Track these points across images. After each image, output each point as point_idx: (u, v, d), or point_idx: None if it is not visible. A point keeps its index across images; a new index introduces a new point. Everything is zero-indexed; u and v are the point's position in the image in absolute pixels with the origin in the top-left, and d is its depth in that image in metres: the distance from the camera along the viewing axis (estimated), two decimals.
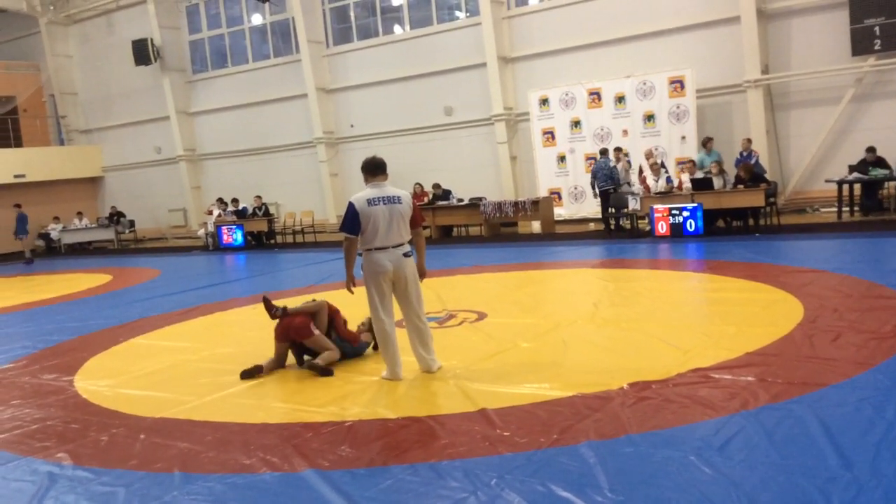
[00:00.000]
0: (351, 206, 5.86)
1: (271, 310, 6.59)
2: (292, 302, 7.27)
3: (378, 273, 5.85)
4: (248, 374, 6.41)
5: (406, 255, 5.92)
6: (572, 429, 4.49)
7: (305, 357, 6.60)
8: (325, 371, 6.25)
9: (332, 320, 6.70)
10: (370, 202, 5.83)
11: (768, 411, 4.48)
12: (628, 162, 16.10)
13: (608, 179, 15.47)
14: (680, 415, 4.58)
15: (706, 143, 15.46)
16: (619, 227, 15.66)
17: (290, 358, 6.74)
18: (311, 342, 6.49)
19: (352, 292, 6.12)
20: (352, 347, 6.72)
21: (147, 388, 6.42)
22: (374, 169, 6.00)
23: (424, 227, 6.29)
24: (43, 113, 28.18)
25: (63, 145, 28.31)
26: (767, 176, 14.60)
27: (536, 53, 19.05)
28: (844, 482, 3.50)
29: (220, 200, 21.26)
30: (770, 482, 3.58)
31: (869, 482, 3.48)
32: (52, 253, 24.66)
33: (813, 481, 3.54)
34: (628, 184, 15.64)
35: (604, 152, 15.95)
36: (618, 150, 16.04)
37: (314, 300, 6.82)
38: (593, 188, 15.91)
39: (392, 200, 5.87)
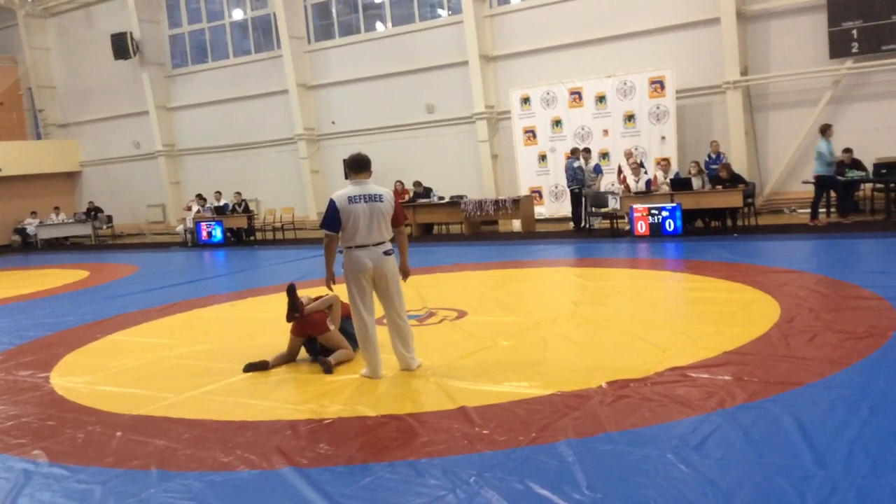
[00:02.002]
0: (332, 203, 5.85)
1: (291, 312, 6.53)
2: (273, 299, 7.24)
3: (358, 271, 5.85)
4: (252, 368, 6.42)
5: (387, 253, 5.91)
6: (551, 427, 4.50)
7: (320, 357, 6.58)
8: (328, 369, 6.21)
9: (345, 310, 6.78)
10: (351, 199, 5.81)
11: (745, 410, 4.52)
12: (597, 165, 16.18)
13: (573, 180, 15.60)
14: (658, 413, 4.61)
15: (825, 131, 13.59)
16: (590, 227, 15.72)
17: (302, 353, 6.74)
18: (324, 338, 6.50)
19: (331, 289, 6.12)
20: (352, 328, 6.73)
21: (124, 385, 6.37)
22: (358, 166, 5.96)
23: (406, 226, 6.30)
24: (20, 106, 27.87)
25: (40, 139, 28.02)
26: (745, 177, 14.72)
27: (518, 52, 19.09)
28: (819, 480, 3.55)
29: (200, 196, 21.11)
30: (746, 480, 3.62)
31: (843, 480, 3.53)
32: (28, 248, 24.40)
33: (788, 479, 3.57)
34: (586, 185, 15.75)
35: (574, 152, 16.04)
36: (587, 150, 16.12)
37: (326, 295, 6.72)
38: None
39: (373, 198, 5.85)
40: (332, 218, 5.83)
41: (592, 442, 4.23)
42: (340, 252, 5.98)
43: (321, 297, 6.78)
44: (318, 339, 6.55)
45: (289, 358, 6.66)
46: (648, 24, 17.14)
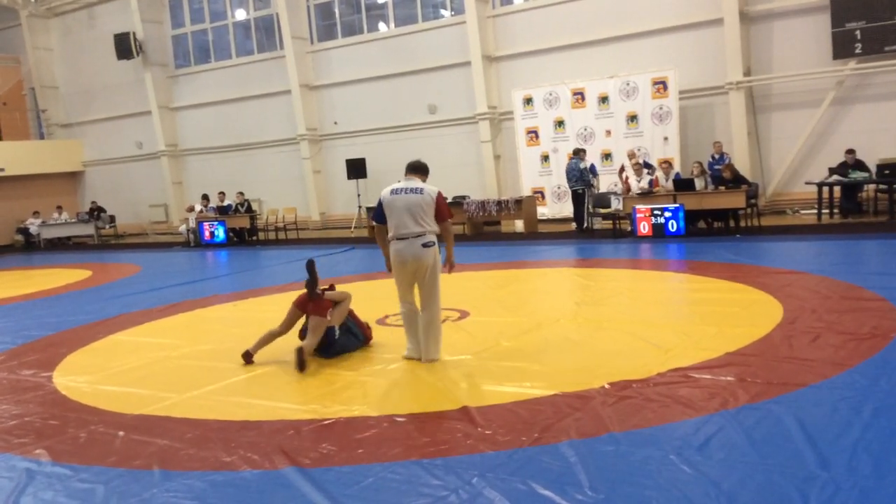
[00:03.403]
0: (379, 199, 6.35)
1: (312, 288, 6.73)
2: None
3: (400, 263, 6.22)
4: (248, 359, 6.60)
5: (426, 245, 6.14)
6: (553, 427, 4.50)
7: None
8: (301, 362, 6.29)
9: (350, 311, 7.00)
10: (393, 192, 6.24)
11: (747, 411, 4.51)
12: (592, 165, 16.19)
13: (578, 180, 15.60)
14: (660, 414, 4.60)
15: None
16: (591, 228, 15.70)
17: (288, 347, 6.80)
18: (314, 322, 6.61)
19: (389, 271, 6.42)
20: (361, 336, 6.92)
21: (126, 385, 6.38)
22: (411, 169, 6.46)
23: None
24: (23, 106, 27.90)
25: (43, 139, 28.04)
26: (748, 177, 14.71)
27: (521, 53, 19.08)
28: (821, 481, 3.54)
29: (205, 197, 21.14)
30: (749, 481, 3.61)
31: (846, 482, 3.52)
32: (31, 248, 24.44)
33: (791, 480, 3.57)
34: (591, 185, 15.75)
35: (577, 153, 16.04)
36: (583, 151, 16.13)
37: (342, 291, 7.01)
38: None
39: (413, 191, 6.18)
40: (378, 211, 6.33)
41: (595, 443, 4.23)
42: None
43: (332, 286, 7.00)
44: (310, 317, 6.66)
45: (280, 332, 6.81)
46: (651, 25, 17.13)
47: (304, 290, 6.83)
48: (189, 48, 25.26)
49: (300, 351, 6.35)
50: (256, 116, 23.53)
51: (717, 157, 15.51)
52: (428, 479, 3.93)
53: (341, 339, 6.72)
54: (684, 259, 11.53)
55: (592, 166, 16.18)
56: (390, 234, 6.23)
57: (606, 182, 16.50)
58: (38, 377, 6.88)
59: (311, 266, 6.83)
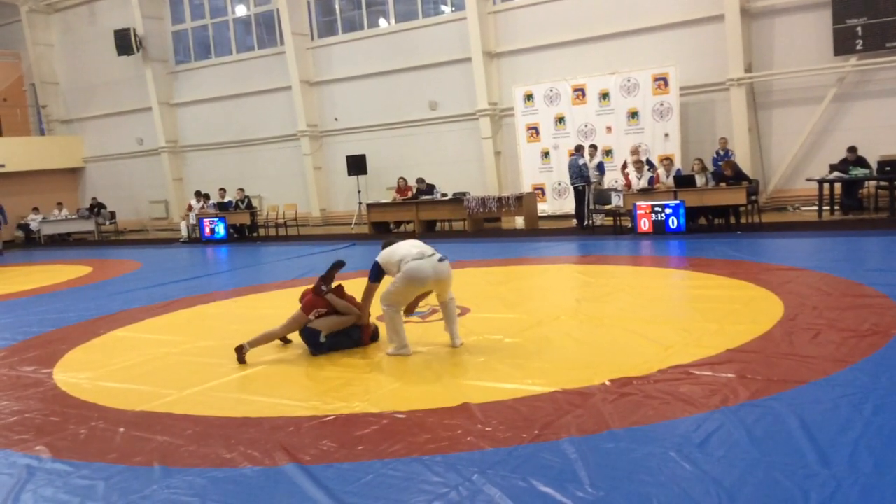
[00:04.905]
0: (374, 262, 6.47)
1: (323, 284, 6.76)
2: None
3: (417, 279, 6.28)
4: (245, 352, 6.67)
5: (441, 260, 6.36)
6: (554, 424, 4.50)
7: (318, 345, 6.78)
8: (240, 355, 6.55)
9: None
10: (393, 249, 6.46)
11: (748, 408, 4.51)
12: (601, 163, 16.19)
13: (578, 177, 15.60)
14: (661, 411, 4.60)
15: None
16: (592, 225, 15.69)
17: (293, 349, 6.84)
18: (295, 314, 6.71)
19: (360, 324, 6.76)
20: (356, 336, 6.86)
21: (127, 381, 6.38)
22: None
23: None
24: (23, 102, 27.88)
25: (44, 135, 28.05)
26: (749, 174, 14.70)
27: (521, 49, 19.07)
28: (822, 479, 3.53)
29: (198, 193, 21.12)
30: (749, 478, 3.61)
31: (846, 479, 3.52)
32: (31, 244, 24.44)
33: (792, 478, 3.56)
34: (590, 182, 15.75)
35: (578, 149, 16.03)
36: (593, 147, 16.16)
37: (358, 309, 6.84)
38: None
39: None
40: (376, 270, 6.46)
41: (595, 439, 4.22)
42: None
43: (341, 288, 6.92)
44: (300, 306, 6.76)
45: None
46: (652, 21, 17.12)
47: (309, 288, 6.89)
48: (189, 44, 25.25)
49: (240, 348, 6.55)
50: (257, 113, 23.53)
51: (721, 153, 15.50)
52: (428, 475, 3.92)
53: (329, 342, 6.66)
54: (685, 256, 11.52)
55: (601, 164, 16.18)
56: (398, 259, 6.29)
57: (608, 179, 16.49)
58: (39, 373, 6.88)
59: (333, 265, 6.90)
